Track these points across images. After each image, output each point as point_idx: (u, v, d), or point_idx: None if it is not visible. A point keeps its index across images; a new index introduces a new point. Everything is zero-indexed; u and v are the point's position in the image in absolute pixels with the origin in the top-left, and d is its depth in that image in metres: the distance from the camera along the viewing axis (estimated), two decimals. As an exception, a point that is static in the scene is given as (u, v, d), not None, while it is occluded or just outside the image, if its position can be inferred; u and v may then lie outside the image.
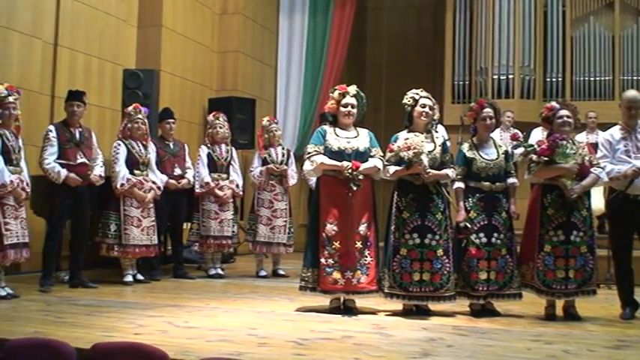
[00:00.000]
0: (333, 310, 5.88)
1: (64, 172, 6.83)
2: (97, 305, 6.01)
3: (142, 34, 9.80)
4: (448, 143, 6.52)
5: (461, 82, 12.43)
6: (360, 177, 5.82)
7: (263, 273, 8.46)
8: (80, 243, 7.19)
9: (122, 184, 7.35)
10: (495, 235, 5.86)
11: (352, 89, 6.09)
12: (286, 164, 8.53)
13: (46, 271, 6.90)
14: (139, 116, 7.59)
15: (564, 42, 12.34)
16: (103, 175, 7.22)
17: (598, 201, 7.00)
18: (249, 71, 11.49)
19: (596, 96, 12.02)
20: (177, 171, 8.17)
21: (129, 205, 7.40)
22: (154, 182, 7.61)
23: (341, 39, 12.01)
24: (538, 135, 8.70)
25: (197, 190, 8.16)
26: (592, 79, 12.13)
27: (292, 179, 8.58)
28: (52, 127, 7.02)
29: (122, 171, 7.38)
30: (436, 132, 6.32)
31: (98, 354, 3.65)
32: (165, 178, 7.90)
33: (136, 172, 7.48)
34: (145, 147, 7.64)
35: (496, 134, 7.36)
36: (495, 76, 12.06)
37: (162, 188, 7.74)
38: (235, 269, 9.12)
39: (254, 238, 8.39)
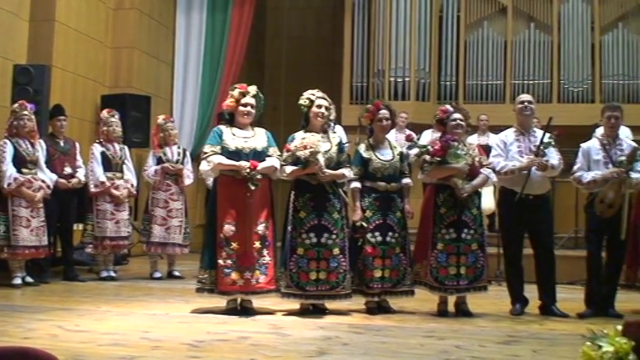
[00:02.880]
0: (229, 311, 5.84)
1: None
2: (-17, 309, 5.78)
3: (33, 29, 9.44)
4: (346, 144, 6.58)
5: (359, 84, 12.55)
6: (259, 177, 5.80)
7: (157, 275, 8.31)
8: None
9: (9, 184, 7.08)
10: (390, 233, 5.96)
11: (252, 89, 6.07)
12: (182, 163, 8.42)
13: None
14: (25, 113, 7.32)
15: (458, 46, 12.64)
16: None
17: (488, 200, 7.23)
18: (145, 68, 11.25)
19: (488, 99, 12.37)
20: (68, 170, 7.91)
21: (17, 204, 7.14)
22: (43, 181, 7.36)
23: (240, 38, 11.93)
24: (428, 136, 8.91)
25: (92, 190, 7.94)
26: (484, 82, 12.47)
27: (188, 179, 8.47)
28: None
29: (9, 170, 7.11)
30: (333, 132, 6.38)
31: (-17, 359, 3.50)
32: (54, 177, 7.64)
33: (24, 170, 7.22)
34: (33, 145, 7.38)
35: (391, 135, 7.48)
36: (392, 79, 12.23)
37: (52, 187, 7.49)
38: (128, 271, 8.93)
39: (148, 239, 8.24)
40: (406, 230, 6.10)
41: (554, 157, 6.07)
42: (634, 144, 6.14)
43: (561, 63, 12.25)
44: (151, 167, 8.28)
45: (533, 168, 5.94)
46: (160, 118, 8.61)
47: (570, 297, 6.69)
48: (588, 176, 6.01)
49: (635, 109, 10.09)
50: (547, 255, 6.14)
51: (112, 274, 8.13)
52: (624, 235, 5.97)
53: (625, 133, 7.38)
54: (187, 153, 8.73)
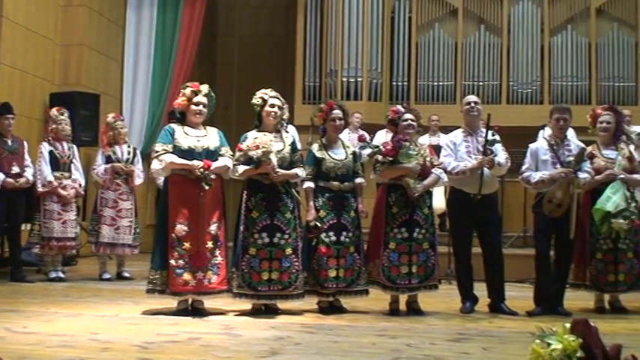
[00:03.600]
0: (180, 312, 5.78)
1: None
2: None
3: (-20, 26, 9.27)
4: (298, 144, 6.58)
5: (311, 84, 12.56)
6: (212, 176, 5.77)
7: (107, 276, 8.20)
8: None
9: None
10: (344, 233, 5.98)
11: (205, 88, 6.02)
12: (132, 163, 8.32)
13: None
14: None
15: (410, 47, 12.75)
16: None
17: (439, 200, 7.29)
18: (94, 65, 11.10)
19: (438, 100, 12.49)
20: (16, 169, 7.76)
21: (-37, 204, 6.98)
22: (-11, 180, 7.21)
23: (191, 36, 11.84)
24: (382, 137, 8.95)
25: (39, 190, 7.81)
26: (435, 83, 12.59)
27: (139, 178, 8.37)
28: None
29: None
30: (286, 132, 6.36)
31: None
32: (2, 176, 7.52)
33: (-29, 169, 7.06)
34: (-21, 143, 7.22)
35: (344, 135, 7.49)
36: (345, 79, 12.27)
37: (-1, 187, 7.35)
38: (77, 272, 8.78)
39: (97, 239, 8.12)
40: (360, 230, 6.11)
41: (501, 154, 6.15)
42: (581, 144, 6.25)
43: (511, 64, 12.45)
44: (100, 166, 8.16)
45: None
46: (110, 117, 8.50)
47: (519, 295, 6.77)
48: (536, 176, 6.10)
49: (584, 110, 10.15)
50: (496, 254, 6.22)
51: (61, 275, 8.00)
52: (573, 235, 6.07)
53: (570, 134, 7.52)
54: (138, 152, 8.63)
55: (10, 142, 7.89)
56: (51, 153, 7.92)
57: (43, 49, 10.38)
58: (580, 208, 6.18)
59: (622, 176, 6.12)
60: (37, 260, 8.46)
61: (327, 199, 6.00)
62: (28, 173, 7.86)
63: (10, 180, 7.63)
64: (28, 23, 9.94)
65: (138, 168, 8.37)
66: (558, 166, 6.07)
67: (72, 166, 8.09)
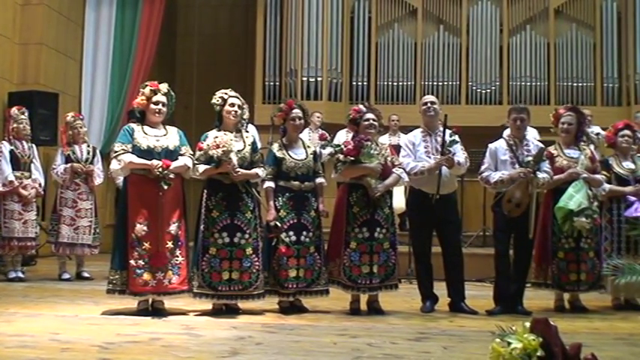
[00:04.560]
0: (141, 312, 5.75)
1: None
2: None
3: (-63, 24, 9.11)
4: (258, 143, 6.57)
5: (271, 83, 12.55)
6: (171, 176, 5.74)
7: (66, 276, 8.11)
8: None
9: None
10: (304, 233, 5.99)
11: (164, 87, 6.00)
12: (92, 162, 8.25)
13: None
14: None
15: (370, 47, 12.81)
16: None
17: (399, 199, 7.34)
18: (53, 65, 10.96)
19: (398, 100, 12.57)
20: (-25, 169, 7.66)
21: None
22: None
23: (150, 35, 11.75)
24: (343, 136, 8.98)
25: (0, 189, 7.69)
26: (395, 83, 12.66)
27: (98, 178, 8.30)
28: None
29: None
30: (246, 132, 6.36)
31: None
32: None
33: None
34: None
35: (305, 135, 7.50)
36: (305, 78, 12.29)
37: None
38: (36, 272, 8.67)
39: (56, 239, 8.04)
40: (321, 230, 6.13)
41: (460, 154, 6.21)
42: (540, 144, 6.33)
43: (470, 65, 12.59)
44: (59, 166, 8.07)
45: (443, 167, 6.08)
46: (69, 116, 8.41)
47: (479, 294, 6.84)
48: (495, 176, 6.17)
49: (542, 110, 10.35)
50: (455, 253, 6.27)
51: (20, 274, 7.90)
52: (532, 234, 6.14)
53: (532, 134, 7.62)
54: (97, 151, 8.55)
55: (-32, 142, 7.78)
56: (11, 152, 7.82)
57: (1, 48, 10.22)
58: (541, 207, 6.27)
59: (585, 175, 6.20)
60: (-5, 260, 8.35)
61: (288, 199, 6.01)
62: (-13, 173, 7.76)
63: (-33, 180, 7.52)
64: (-15, 22, 9.79)
65: (97, 168, 8.29)
66: (517, 166, 6.14)
67: (32, 165, 8.00)
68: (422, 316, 5.99)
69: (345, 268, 5.96)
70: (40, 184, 8.02)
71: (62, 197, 8.10)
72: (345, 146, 6.03)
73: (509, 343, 3.15)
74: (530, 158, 6.09)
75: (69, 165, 8.06)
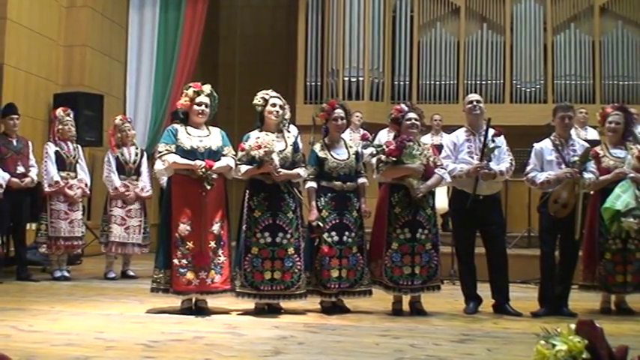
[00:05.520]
0: (184, 311, 5.80)
1: None
2: None
3: (-15, 27, 9.29)
4: (300, 144, 6.58)
5: (313, 83, 12.56)
6: (214, 176, 5.78)
7: (112, 275, 8.22)
8: None
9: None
10: (347, 233, 5.97)
11: (207, 88, 6.04)
12: (139, 164, 8.35)
13: None
14: (-26, 112, 7.20)
15: (412, 46, 12.75)
16: None
17: (442, 200, 7.27)
18: (97, 66, 11.13)
19: (441, 99, 12.49)
20: (21, 169, 7.80)
21: (-31, 203, 7.00)
22: (-5, 180, 7.23)
23: (193, 36, 11.85)
24: (384, 136, 8.94)
25: (46, 189, 7.83)
26: (437, 82, 12.58)
27: (146, 192, 8.40)
28: None
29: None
30: (288, 132, 6.37)
31: None
32: (7, 176, 7.51)
33: (-24, 169, 7.09)
34: (-16, 143, 7.25)
35: (346, 135, 7.48)
36: (346, 78, 12.27)
37: (4, 187, 7.37)
38: (82, 271, 8.80)
39: (107, 239, 8.15)
40: (363, 230, 6.10)
41: (504, 158, 6.13)
42: (586, 144, 6.23)
43: (514, 63, 12.44)
44: (111, 174, 8.15)
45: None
46: (118, 119, 8.53)
47: (524, 296, 6.77)
48: (542, 177, 6.08)
49: (587, 109, 10.25)
50: (499, 254, 6.19)
51: (66, 274, 8.02)
52: (578, 235, 6.05)
53: (592, 135, 7.51)
54: (145, 153, 8.64)
55: (15, 143, 7.93)
56: (57, 153, 7.94)
57: (47, 50, 10.41)
58: (588, 208, 6.17)
59: (632, 175, 6.09)
60: (42, 259, 8.49)
61: (330, 199, 6.00)
62: (33, 173, 7.90)
63: (15, 180, 7.66)
64: (32, 24, 9.97)
65: (142, 179, 8.36)
66: (563, 166, 6.06)
67: (77, 166, 8.11)
68: (465, 318, 5.92)
69: (386, 268, 5.92)
70: (85, 184, 8.14)
71: (112, 198, 8.21)
72: (387, 146, 5.99)
73: (553, 346, 3.10)
74: (576, 158, 6.00)
75: (124, 189, 8.14)
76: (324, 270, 5.89)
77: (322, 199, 6.00)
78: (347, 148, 6.19)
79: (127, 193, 8.12)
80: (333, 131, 6.19)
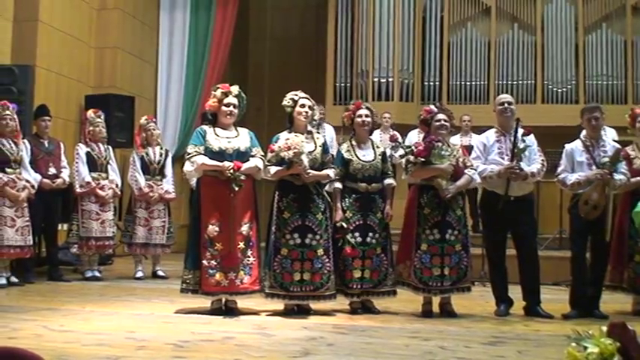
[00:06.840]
0: (214, 311, 5.82)
1: None
2: (-33, 309, 5.73)
3: (17, 29, 9.38)
4: (335, 144, 6.57)
5: (342, 84, 12.52)
6: (242, 177, 5.79)
7: (139, 274, 8.29)
8: None
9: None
10: (370, 234, 5.97)
11: (235, 89, 6.06)
12: (163, 164, 8.42)
13: None
14: (7, 113, 7.27)
15: (442, 47, 12.66)
16: None
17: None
18: (128, 68, 11.22)
19: (471, 100, 12.39)
20: (52, 170, 7.89)
21: (1, 204, 7.09)
22: (27, 181, 7.31)
23: (223, 37, 11.91)
24: (414, 137, 8.90)
25: (78, 190, 7.91)
26: (468, 83, 12.49)
27: (169, 194, 8.46)
28: None
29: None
30: (318, 133, 6.37)
31: (-33, 360, 3.46)
32: (39, 177, 7.60)
33: (8, 170, 7.18)
34: (16, 144, 7.33)
35: (375, 135, 7.47)
36: (376, 79, 12.22)
37: (36, 187, 7.45)
38: (113, 271, 8.89)
39: (131, 240, 8.23)
40: (388, 231, 6.10)
41: (535, 159, 6.07)
42: (617, 145, 6.15)
43: (545, 63, 12.31)
44: (136, 173, 8.23)
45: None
46: (143, 119, 8.61)
47: (555, 298, 6.71)
48: (572, 178, 6.02)
49: (619, 109, 10.09)
50: (530, 256, 6.13)
51: (97, 274, 8.10)
52: (609, 237, 5.97)
53: (611, 134, 7.41)
54: (169, 154, 8.70)
55: (46, 144, 8.02)
56: (88, 154, 8.02)
57: (78, 52, 10.51)
58: (618, 210, 6.10)
59: None
60: (73, 259, 8.59)
61: (354, 200, 6.00)
62: (65, 174, 7.99)
63: (47, 181, 7.74)
64: (64, 27, 10.07)
65: (167, 182, 8.42)
66: (594, 167, 5.99)
67: (108, 167, 8.19)
68: (496, 320, 5.88)
69: (415, 270, 5.90)
70: (116, 185, 8.21)
71: (137, 199, 8.28)
72: (416, 147, 5.97)
73: (585, 348, 3.06)
74: (606, 159, 5.93)
75: (148, 189, 8.21)
76: (347, 270, 5.90)
77: (346, 199, 6.01)
78: (374, 149, 6.18)
79: (150, 194, 8.19)
80: (359, 131, 6.19)
